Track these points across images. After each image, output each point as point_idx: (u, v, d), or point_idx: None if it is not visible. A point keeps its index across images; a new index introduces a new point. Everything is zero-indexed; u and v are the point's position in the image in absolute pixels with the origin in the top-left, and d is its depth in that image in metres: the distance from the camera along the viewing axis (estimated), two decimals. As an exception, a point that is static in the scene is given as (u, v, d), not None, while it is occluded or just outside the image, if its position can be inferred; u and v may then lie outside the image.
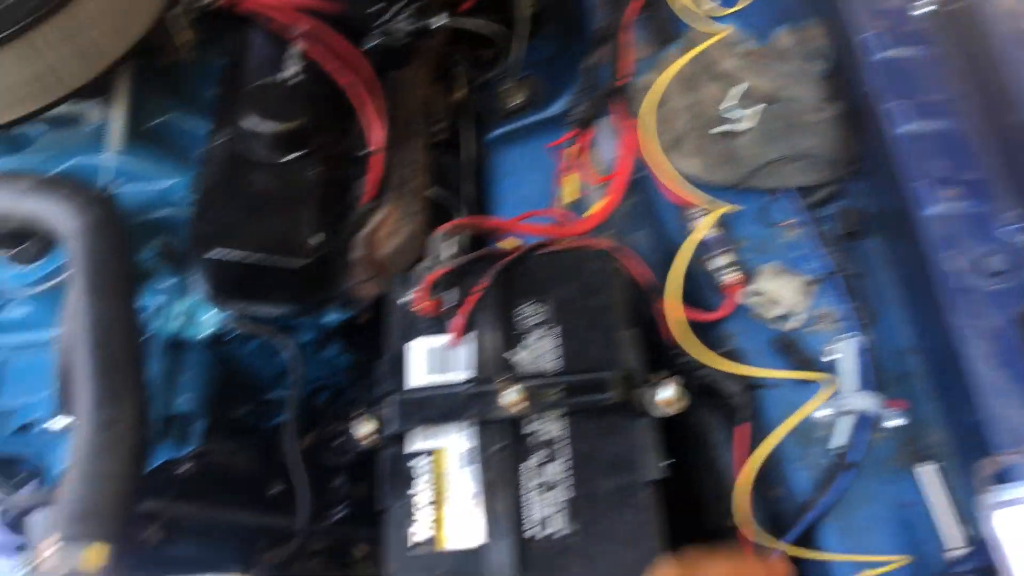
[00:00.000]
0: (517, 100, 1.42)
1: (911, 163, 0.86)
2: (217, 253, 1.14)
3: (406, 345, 1.00)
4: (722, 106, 1.10)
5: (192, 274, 1.24)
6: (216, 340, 1.26)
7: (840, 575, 0.89)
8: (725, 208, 1.03)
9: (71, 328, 1.00)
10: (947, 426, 0.92)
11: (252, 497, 1.41)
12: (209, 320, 1.24)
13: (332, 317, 1.32)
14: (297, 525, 1.15)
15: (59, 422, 1.19)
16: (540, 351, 0.97)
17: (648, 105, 1.13)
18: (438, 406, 0.93)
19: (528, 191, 1.39)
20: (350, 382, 1.51)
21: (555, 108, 1.38)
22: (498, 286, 0.99)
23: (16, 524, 1.19)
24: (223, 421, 1.32)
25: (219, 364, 1.30)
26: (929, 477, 0.87)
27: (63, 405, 1.18)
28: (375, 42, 1.18)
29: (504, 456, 0.90)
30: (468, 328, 0.98)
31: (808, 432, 0.95)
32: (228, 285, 1.19)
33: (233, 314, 1.24)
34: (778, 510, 0.98)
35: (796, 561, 0.94)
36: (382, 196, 1.32)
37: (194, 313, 1.25)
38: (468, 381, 0.94)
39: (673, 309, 0.98)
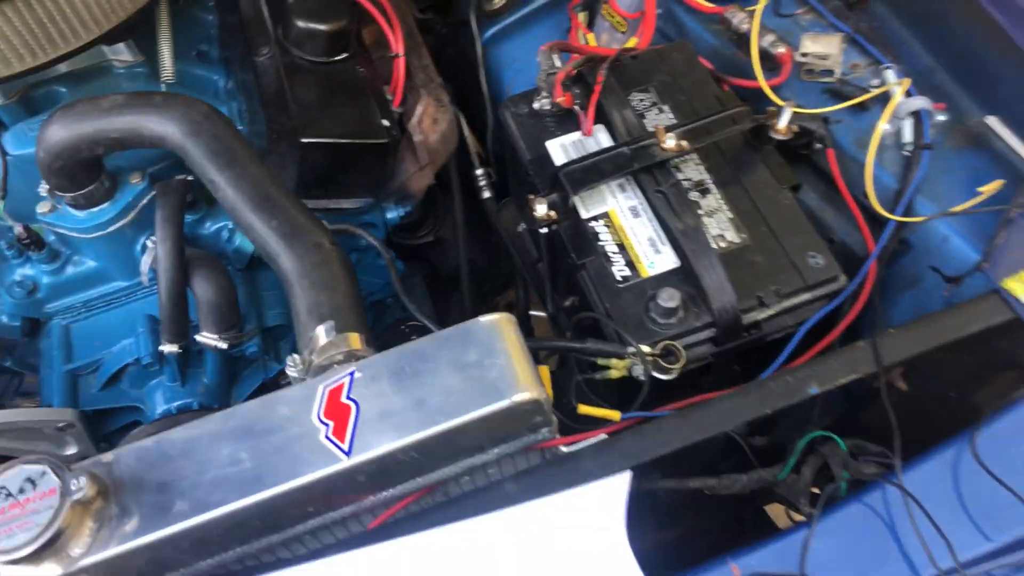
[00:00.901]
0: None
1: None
2: (309, 138, 1.20)
3: (546, 144, 1.12)
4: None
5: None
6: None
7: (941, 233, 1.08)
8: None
9: (228, 204, 1.03)
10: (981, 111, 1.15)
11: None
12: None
13: (393, 213, 1.40)
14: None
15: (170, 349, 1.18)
16: (664, 118, 1.13)
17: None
18: (605, 166, 1.05)
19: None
20: (393, 297, 1.56)
21: (539, -2, 1.54)
22: (611, 79, 1.14)
23: None
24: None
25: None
26: (996, 124, 1.09)
27: (171, 333, 1.17)
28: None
29: (672, 192, 1.04)
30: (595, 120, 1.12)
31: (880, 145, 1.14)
32: (314, 176, 1.25)
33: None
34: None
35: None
36: (414, 93, 1.42)
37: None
38: (622, 144, 1.07)
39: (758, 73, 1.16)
